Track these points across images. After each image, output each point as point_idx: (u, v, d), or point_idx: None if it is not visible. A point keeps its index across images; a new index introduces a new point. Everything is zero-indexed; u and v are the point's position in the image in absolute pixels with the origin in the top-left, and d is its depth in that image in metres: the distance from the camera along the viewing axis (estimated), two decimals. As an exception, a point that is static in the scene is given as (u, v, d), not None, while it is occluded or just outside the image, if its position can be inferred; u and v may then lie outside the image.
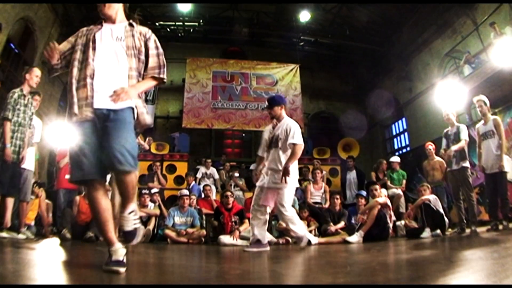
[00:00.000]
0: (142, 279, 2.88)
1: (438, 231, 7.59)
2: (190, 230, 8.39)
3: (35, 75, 6.57)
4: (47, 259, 3.88)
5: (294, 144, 5.68)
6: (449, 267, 3.03)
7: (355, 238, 7.37)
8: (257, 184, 5.99)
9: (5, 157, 6.09)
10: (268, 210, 5.98)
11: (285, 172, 5.51)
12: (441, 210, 7.98)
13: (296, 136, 5.74)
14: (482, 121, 7.99)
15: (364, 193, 9.33)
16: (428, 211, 7.81)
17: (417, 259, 3.91)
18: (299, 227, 6.07)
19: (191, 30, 17.32)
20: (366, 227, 7.50)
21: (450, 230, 8.36)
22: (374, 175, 11.22)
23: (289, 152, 5.73)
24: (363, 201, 8.90)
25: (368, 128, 18.53)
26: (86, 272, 3.14)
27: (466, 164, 7.82)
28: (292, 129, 5.75)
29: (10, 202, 6.38)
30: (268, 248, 5.87)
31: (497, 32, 10.46)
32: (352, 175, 11.73)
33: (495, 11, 11.05)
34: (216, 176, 12.59)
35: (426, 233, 7.55)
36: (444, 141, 8.39)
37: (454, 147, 7.81)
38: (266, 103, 6.08)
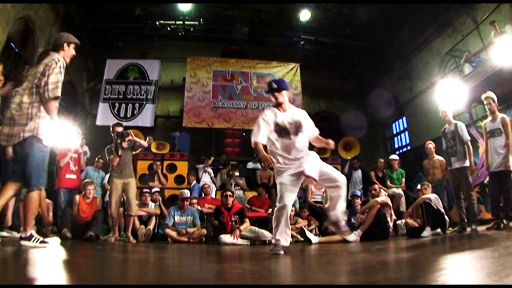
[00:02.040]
0: (143, 278, 2.88)
1: (439, 230, 7.58)
2: (190, 229, 8.39)
3: None
4: (47, 258, 3.88)
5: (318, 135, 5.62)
6: (449, 266, 3.03)
7: (353, 237, 7.38)
8: (291, 172, 5.09)
9: (6, 156, 6.09)
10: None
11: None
12: (442, 209, 7.98)
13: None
14: (490, 118, 7.94)
15: (358, 193, 9.40)
16: (429, 210, 7.80)
17: (417, 258, 3.91)
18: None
19: (192, 29, 17.31)
20: (364, 226, 7.51)
21: (450, 229, 8.35)
22: (374, 174, 11.26)
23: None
24: (358, 201, 8.95)
25: (368, 127, 18.52)
26: (86, 271, 3.14)
27: (467, 163, 7.81)
28: (310, 120, 5.51)
29: (11, 201, 6.38)
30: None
31: (497, 30, 10.46)
32: (357, 174, 11.74)
33: (495, 9, 11.06)
34: (212, 173, 12.68)
35: (427, 232, 7.54)
36: (443, 141, 8.38)
37: (471, 160, 7.84)
38: (274, 84, 5.34)
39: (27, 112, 4.45)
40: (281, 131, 5.16)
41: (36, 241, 4.49)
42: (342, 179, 5.10)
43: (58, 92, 4.56)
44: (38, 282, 2.32)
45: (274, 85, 5.31)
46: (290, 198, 5.05)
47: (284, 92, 5.32)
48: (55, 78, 4.56)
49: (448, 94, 11.08)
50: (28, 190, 4.53)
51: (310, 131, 5.44)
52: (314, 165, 5.08)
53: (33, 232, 4.54)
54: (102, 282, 2.54)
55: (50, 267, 3.10)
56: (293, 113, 5.33)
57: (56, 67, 4.59)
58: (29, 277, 2.50)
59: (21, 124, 4.44)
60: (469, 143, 7.89)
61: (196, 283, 2.62)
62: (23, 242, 4.47)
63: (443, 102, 9.82)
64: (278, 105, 5.32)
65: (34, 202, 4.51)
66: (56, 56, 4.73)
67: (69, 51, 5.01)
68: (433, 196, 8.07)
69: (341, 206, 5.17)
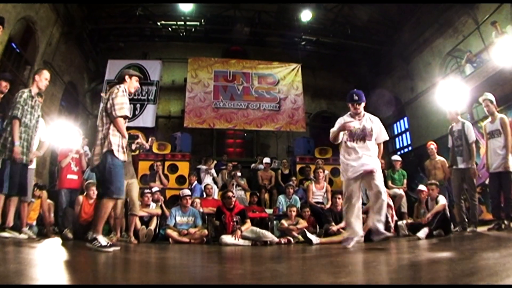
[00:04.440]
0: (144, 278, 2.88)
1: (441, 231, 7.60)
2: (192, 230, 8.38)
3: (44, 77, 6.52)
4: (48, 259, 3.88)
5: (385, 142, 6.29)
6: (450, 267, 3.03)
7: (355, 237, 7.36)
8: (353, 171, 5.87)
9: (14, 155, 6.07)
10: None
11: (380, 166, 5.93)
12: (447, 211, 8.04)
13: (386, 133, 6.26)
14: (490, 119, 7.95)
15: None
16: (441, 215, 7.86)
17: (418, 259, 3.91)
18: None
19: (193, 29, 17.35)
20: (366, 226, 7.48)
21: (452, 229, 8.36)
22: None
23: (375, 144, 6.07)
24: None
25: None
26: (87, 272, 3.15)
27: (473, 164, 7.82)
28: (381, 126, 6.18)
29: (13, 202, 6.38)
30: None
31: (498, 31, 10.45)
32: None
33: (496, 10, 11.05)
34: (215, 174, 12.69)
35: (422, 234, 7.58)
36: (449, 138, 8.39)
37: (473, 162, 7.87)
38: (355, 96, 6.18)
39: (102, 133, 5.15)
40: (352, 134, 5.98)
41: (97, 246, 4.78)
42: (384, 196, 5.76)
43: (125, 112, 5.15)
44: (39, 282, 2.33)
45: (355, 97, 6.14)
46: (353, 193, 5.84)
47: (363, 104, 6.16)
48: (120, 100, 5.15)
49: (450, 95, 11.07)
50: (101, 197, 5.13)
51: (378, 137, 6.11)
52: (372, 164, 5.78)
53: (100, 236, 4.91)
54: (103, 283, 2.55)
55: (51, 268, 3.10)
56: (366, 120, 6.09)
57: (119, 91, 5.22)
58: (30, 278, 2.50)
59: (99, 144, 5.15)
60: (474, 144, 7.90)
61: (198, 283, 2.63)
62: (87, 244, 4.88)
63: (448, 102, 9.82)
64: (356, 114, 6.11)
65: (104, 209, 5.03)
66: (118, 85, 5.40)
67: (132, 82, 5.63)
68: (445, 201, 8.11)
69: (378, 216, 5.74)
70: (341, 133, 6.06)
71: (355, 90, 6.33)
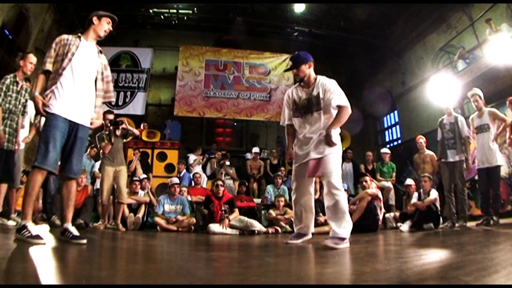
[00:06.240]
0: (130, 266, 2.87)
1: (431, 224, 7.65)
2: (180, 217, 8.38)
3: (29, 61, 6.48)
4: (36, 245, 3.86)
5: (340, 106, 4.64)
6: (437, 261, 3.04)
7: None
8: (297, 163, 4.74)
9: None
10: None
11: (328, 138, 4.40)
12: (438, 205, 8.08)
13: (343, 96, 4.74)
14: (477, 113, 8.00)
15: (345, 186, 9.41)
16: (431, 209, 7.91)
17: (405, 251, 3.93)
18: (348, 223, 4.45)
19: (185, 17, 17.21)
20: (354, 217, 7.49)
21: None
22: (363, 167, 11.32)
23: (332, 116, 4.62)
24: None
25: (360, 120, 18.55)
26: (75, 259, 3.12)
27: (463, 157, 7.86)
28: (334, 88, 4.77)
29: (3, 188, 6.34)
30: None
31: (492, 28, 10.48)
32: (348, 166, 11.75)
33: (491, 7, 11.05)
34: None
35: (405, 227, 7.68)
36: (439, 131, 8.39)
37: (468, 157, 7.93)
38: (290, 62, 5.01)
39: None
40: (296, 109, 4.81)
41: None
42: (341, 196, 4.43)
43: (44, 66, 4.15)
44: (27, 268, 2.31)
45: (290, 62, 5.01)
46: (301, 188, 4.70)
47: (303, 67, 4.88)
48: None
49: (441, 90, 11.10)
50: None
51: (328, 101, 4.65)
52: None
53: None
54: (90, 269, 2.53)
55: (38, 254, 3.08)
56: (317, 87, 4.79)
57: None
58: (18, 264, 2.48)
59: None
60: (467, 139, 7.96)
61: (185, 272, 2.61)
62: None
63: (442, 97, 9.87)
64: (300, 81, 4.91)
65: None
66: None
67: (101, 24, 4.52)
68: (437, 194, 8.14)
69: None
70: (286, 114, 4.97)
71: (294, 54, 5.14)
